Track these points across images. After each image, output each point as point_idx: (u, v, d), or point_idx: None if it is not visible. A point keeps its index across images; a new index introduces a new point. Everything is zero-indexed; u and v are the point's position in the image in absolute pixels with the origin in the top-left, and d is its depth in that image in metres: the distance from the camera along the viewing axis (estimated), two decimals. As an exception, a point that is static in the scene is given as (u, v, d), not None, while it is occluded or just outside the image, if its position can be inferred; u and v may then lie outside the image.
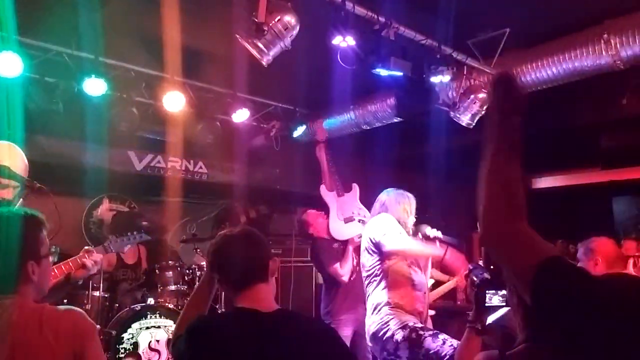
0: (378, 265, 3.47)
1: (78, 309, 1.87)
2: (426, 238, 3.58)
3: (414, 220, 3.62)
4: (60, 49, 4.90)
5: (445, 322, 5.18)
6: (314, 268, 6.14)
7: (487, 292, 2.21)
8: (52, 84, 5.07)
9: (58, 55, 4.94)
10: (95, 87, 4.95)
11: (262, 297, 1.91)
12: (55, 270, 2.66)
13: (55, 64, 4.97)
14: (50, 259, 1.95)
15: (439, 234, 3.56)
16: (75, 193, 6.16)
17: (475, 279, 2.30)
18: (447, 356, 2.99)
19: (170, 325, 4.83)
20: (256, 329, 1.81)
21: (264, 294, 1.93)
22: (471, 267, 2.43)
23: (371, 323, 3.39)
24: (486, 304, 2.21)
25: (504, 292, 2.17)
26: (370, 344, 3.44)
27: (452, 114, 5.03)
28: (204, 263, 5.54)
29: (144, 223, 5.76)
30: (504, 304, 2.19)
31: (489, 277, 2.26)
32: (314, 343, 1.86)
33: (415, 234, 3.66)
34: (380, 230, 3.47)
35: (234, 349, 1.77)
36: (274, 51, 3.70)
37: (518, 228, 1.37)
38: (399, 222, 3.55)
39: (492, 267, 2.30)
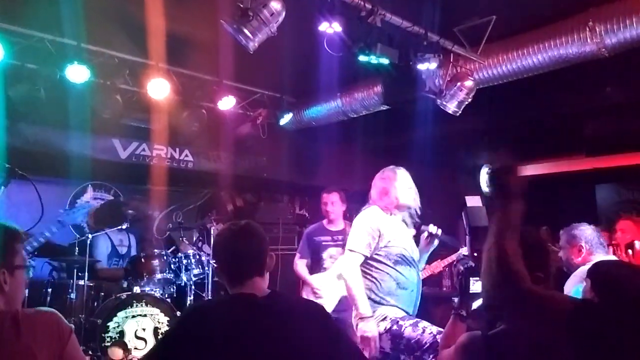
0: (365, 262, 3.44)
1: (53, 310, 1.85)
2: (429, 235, 3.54)
3: (416, 193, 3.51)
4: (42, 35, 4.82)
5: (430, 309, 5.23)
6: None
7: (471, 279, 2.27)
8: (34, 71, 5.00)
9: (40, 42, 4.86)
10: (78, 73, 4.88)
11: (256, 287, 1.98)
12: None
13: (37, 50, 4.89)
14: (25, 274, 1.88)
15: (439, 232, 3.53)
16: (59, 181, 6.10)
17: (461, 267, 2.37)
18: (427, 344, 3.02)
19: (157, 313, 4.82)
20: (254, 309, 1.90)
21: (259, 285, 1.99)
22: (459, 258, 2.56)
23: (355, 315, 3.41)
24: (470, 291, 2.30)
25: None
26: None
27: (438, 101, 5.03)
28: (190, 251, 5.53)
29: (129, 211, 5.73)
30: None
31: (473, 265, 2.33)
32: (308, 317, 1.98)
33: (417, 228, 3.60)
34: (350, 240, 3.45)
35: (234, 329, 1.84)
36: (260, 37, 3.67)
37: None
38: (395, 207, 3.47)
39: (475, 255, 2.37)
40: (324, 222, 5.19)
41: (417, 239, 3.63)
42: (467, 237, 2.55)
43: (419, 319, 3.26)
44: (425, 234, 3.52)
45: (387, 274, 3.35)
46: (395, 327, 3.20)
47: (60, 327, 1.79)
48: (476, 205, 2.62)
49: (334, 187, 5.20)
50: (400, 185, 3.49)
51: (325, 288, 4.87)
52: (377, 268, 3.37)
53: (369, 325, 3.19)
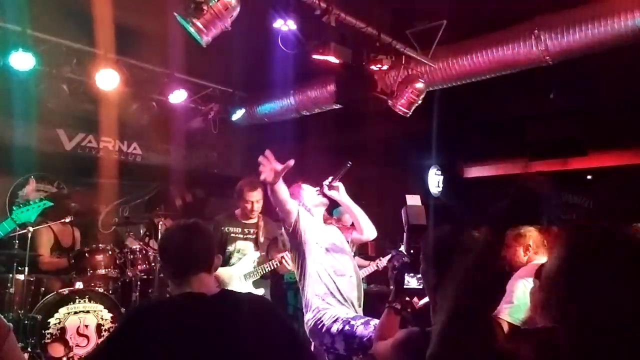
0: (299, 262, 3.53)
1: None
2: (328, 187, 3.67)
3: (319, 198, 3.69)
4: (-17, 19, 4.62)
5: (378, 306, 5.31)
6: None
7: (406, 274, 2.34)
8: (-26, 56, 4.79)
9: (-19, 26, 4.66)
10: (22, 61, 4.72)
11: (205, 284, 1.96)
12: None
13: (-22, 35, 4.69)
14: None
15: (330, 179, 3.68)
16: (0, 172, 5.87)
17: (396, 263, 2.44)
18: None
19: (100, 309, 4.71)
20: (204, 308, 1.88)
21: (207, 282, 1.98)
22: (393, 254, 2.61)
23: (307, 320, 3.47)
24: (405, 286, 2.35)
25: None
26: (310, 339, 3.48)
27: (389, 102, 5.11)
28: (136, 246, 5.42)
29: (73, 205, 5.57)
30: (421, 286, 2.33)
31: (408, 261, 2.40)
32: (258, 315, 1.97)
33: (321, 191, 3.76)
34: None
35: (184, 330, 1.81)
36: (214, 32, 3.63)
37: None
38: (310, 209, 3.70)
39: (411, 251, 2.44)
40: (237, 212, 4.74)
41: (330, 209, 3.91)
42: (405, 234, 2.61)
43: (370, 318, 3.32)
44: (325, 187, 3.69)
45: (321, 264, 3.46)
46: (347, 327, 3.24)
47: None
48: (415, 204, 2.70)
49: (255, 180, 4.19)
50: (309, 192, 3.73)
51: (228, 284, 4.44)
52: (311, 262, 3.47)
53: None
